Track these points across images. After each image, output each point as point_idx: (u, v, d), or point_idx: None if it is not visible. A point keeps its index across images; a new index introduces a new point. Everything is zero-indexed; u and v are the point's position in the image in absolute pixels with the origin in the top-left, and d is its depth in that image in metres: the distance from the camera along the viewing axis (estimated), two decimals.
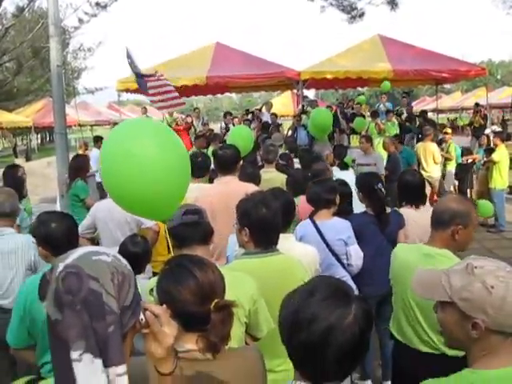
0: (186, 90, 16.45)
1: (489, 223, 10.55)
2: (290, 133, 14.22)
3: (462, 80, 21.14)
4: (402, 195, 4.94)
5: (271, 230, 2.98)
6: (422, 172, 10.87)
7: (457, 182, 12.03)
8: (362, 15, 18.10)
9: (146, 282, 2.97)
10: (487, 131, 15.86)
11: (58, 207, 7.42)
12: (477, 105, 19.25)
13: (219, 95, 22.82)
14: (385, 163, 9.97)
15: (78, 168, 6.83)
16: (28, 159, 30.26)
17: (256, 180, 5.40)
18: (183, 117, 17.09)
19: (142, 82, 8.39)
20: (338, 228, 4.31)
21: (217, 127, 20.74)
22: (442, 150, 11.96)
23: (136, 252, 3.84)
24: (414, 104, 39.65)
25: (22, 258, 4.04)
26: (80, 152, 15.17)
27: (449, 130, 13.19)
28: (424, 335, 3.12)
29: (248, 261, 2.95)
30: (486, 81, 21.78)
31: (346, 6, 18.02)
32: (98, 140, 15.47)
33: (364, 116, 15.30)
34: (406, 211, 4.67)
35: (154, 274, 4.28)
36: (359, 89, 21.14)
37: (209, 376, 1.86)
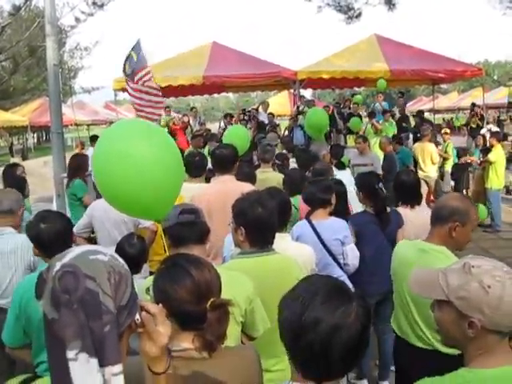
0: (182, 90, 16.46)
1: (485, 223, 10.58)
2: (286, 133, 14.23)
3: (459, 80, 21.19)
4: (397, 195, 4.96)
5: (267, 229, 2.98)
6: (420, 172, 10.91)
7: (452, 183, 12.05)
8: (358, 16, 18.07)
9: (143, 282, 2.97)
10: (483, 131, 15.90)
11: (54, 207, 7.41)
12: (473, 105, 19.28)
13: (216, 95, 22.79)
14: (381, 163, 9.97)
15: (77, 167, 6.82)
16: (24, 158, 30.21)
17: (252, 180, 5.40)
18: (180, 116, 17.08)
19: (129, 80, 8.39)
20: (334, 228, 4.32)
21: (213, 127, 20.72)
22: (440, 150, 11.99)
23: (132, 252, 3.84)
24: (410, 104, 39.86)
25: (22, 258, 4.04)
26: (76, 151, 15.18)
27: (448, 131, 13.24)
28: (419, 331, 3.16)
29: (244, 260, 2.95)
30: (483, 81, 21.83)
31: (342, 6, 18.00)
32: (94, 139, 15.45)
33: (361, 116, 15.31)
34: (402, 211, 4.69)
35: (151, 273, 4.28)
36: (356, 89, 21.15)
37: (205, 375, 1.87)
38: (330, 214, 4.42)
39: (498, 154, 10.56)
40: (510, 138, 14.80)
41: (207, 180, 5.79)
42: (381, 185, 4.63)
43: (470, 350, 1.75)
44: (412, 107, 34.86)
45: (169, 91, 17.11)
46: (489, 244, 9.23)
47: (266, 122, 15.17)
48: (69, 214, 6.02)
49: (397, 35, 17.68)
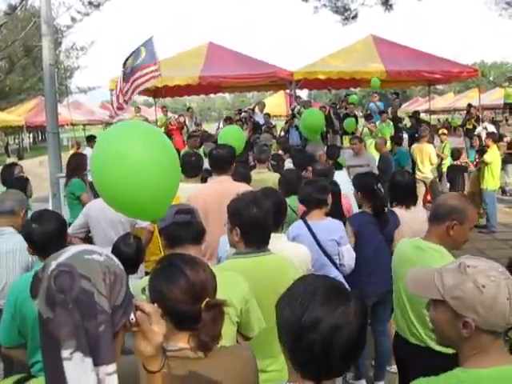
0: (178, 90, 16.47)
1: (480, 224, 10.60)
2: (282, 133, 14.23)
3: (455, 81, 21.24)
4: (392, 195, 4.98)
5: (262, 229, 2.98)
6: (418, 173, 10.93)
7: (448, 184, 12.07)
8: (355, 17, 18.09)
9: (139, 282, 2.97)
10: (479, 129, 15.94)
11: (49, 206, 7.40)
12: (470, 106, 19.30)
13: (212, 95, 22.80)
14: (376, 164, 9.96)
15: (76, 166, 6.82)
16: (20, 158, 30.06)
17: (247, 180, 5.41)
18: (176, 116, 17.08)
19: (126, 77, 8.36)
20: (330, 228, 4.32)
21: (209, 127, 20.70)
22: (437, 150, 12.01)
23: (129, 252, 3.83)
24: (406, 105, 39.94)
25: (20, 259, 4.03)
26: (72, 151, 15.15)
27: (445, 131, 13.27)
28: (413, 328, 3.20)
29: (239, 260, 2.96)
30: (479, 82, 21.85)
31: (339, 7, 18.01)
32: (91, 139, 15.43)
33: (356, 116, 15.33)
34: (397, 211, 4.70)
35: (147, 273, 4.27)
36: (352, 89, 21.18)
37: (200, 374, 1.87)
38: (326, 214, 4.42)
39: (493, 155, 10.58)
40: (505, 139, 14.78)
41: (203, 180, 5.79)
42: (379, 185, 4.63)
43: (465, 350, 1.76)
44: (408, 108, 34.95)
45: (165, 91, 17.14)
46: (484, 245, 9.25)
47: (262, 122, 15.17)
48: (65, 214, 6.01)
49: (393, 36, 17.73)
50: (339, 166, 7.77)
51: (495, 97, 30.27)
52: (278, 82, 15.99)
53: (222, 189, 4.43)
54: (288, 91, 17.45)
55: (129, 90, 8.40)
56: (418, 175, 10.98)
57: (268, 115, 16.14)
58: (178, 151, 9.58)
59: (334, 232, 4.31)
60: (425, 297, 1.88)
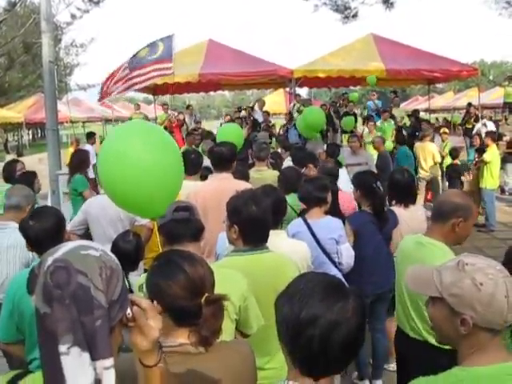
0: (178, 87, 16.44)
1: (479, 223, 10.61)
2: (281, 132, 14.24)
3: (455, 80, 21.22)
4: (391, 194, 4.97)
5: (260, 227, 2.98)
6: (421, 171, 10.92)
7: (447, 183, 12.06)
8: (355, 15, 18.10)
9: (137, 279, 2.97)
10: (478, 126, 15.94)
11: (49, 203, 7.40)
12: (469, 105, 19.29)
13: (212, 93, 22.79)
14: (374, 162, 9.94)
15: (79, 163, 6.82)
16: (19, 155, 30.05)
17: (246, 178, 5.41)
18: (175, 114, 17.07)
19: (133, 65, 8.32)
20: (330, 227, 4.32)
21: (208, 125, 20.70)
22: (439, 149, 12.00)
23: (129, 248, 3.83)
24: (406, 103, 39.86)
25: (20, 254, 4.04)
26: (71, 149, 15.14)
27: (446, 130, 13.27)
28: (412, 322, 3.23)
29: (237, 258, 2.96)
30: (479, 81, 21.83)
31: (339, 5, 18.02)
32: (90, 136, 15.43)
33: (356, 114, 15.32)
34: (396, 210, 4.70)
35: (146, 270, 4.27)
36: (352, 87, 21.17)
37: (202, 369, 1.88)
38: (325, 212, 4.42)
39: (493, 154, 10.59)
40: (505, 138, 14.78)
41: (202, 178, 5.79)
42: (378, 183, 4.62)
43: (463, 348, 1.76)
44: (407, 106, 34.93)
45: (165, 89, 17.13)
46: (483, 243, 9.26)
47: (261, 120, 15.18)
48: (64, 211, 6.01)
49: (393, 35, 17.72)
50: (339, 165, 7.77)
51: (495, 96, 30.27)
52: (277, 79, 16.00)
53: (222, 186, 4.43)
54: (288, 89, 17.47)
55: (130, 80, 8.36)
56: (421, 174, 10.98)
57: (267, 113, 16.14)
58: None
59: (334, 230, 4.31)
60: (423, 294, 1.90)
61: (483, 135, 11.92)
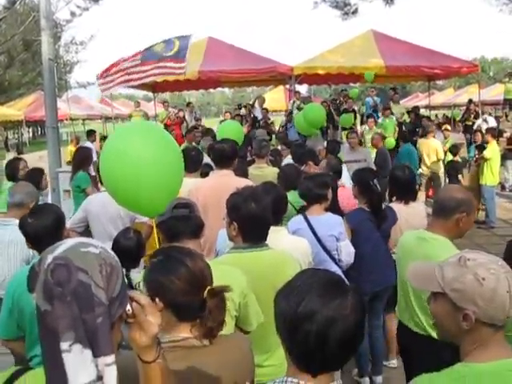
0: (178, 85, 16.44)
1: (479, 219, 10.61)
2: (281, 129, 14.23)
3: (455, 76, 21.20)
4: (392, 190, 4.98)
5: (260, 225, 2.98)
6: (424, 168, 10.91)
7: (447, 180, 12.06)
8: (355, 12, 18.06)
9: (138, 276, 2.97)
10: (479, 121, 15.92)
11: (49, 201, 7.40)
12: (470, 101, 19.25)
13: (212, 90, 22.79)
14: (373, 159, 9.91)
15: (82, 160, 6.83)
16: (19, 153, 29.99)
17: (245, 176, 5.41)
18: (175, 111, 17.07)
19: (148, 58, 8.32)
20: (330, 223, 4.32)
21: (208, 122, 20.66)
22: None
23: (130, 245, 3.83)
24: (406, 100, 39.79)
25: (21, 251, 4.05)
26: (71, 146, 15.15)
27: (448, 127, 13.26)
28: (415, 316, 3.26)
29: (237, 255, 2.96)
30: (479, 78, 21.79)
31: (339, 2, 17.97)
32: (90, 134, 15.43)
33: (355, 111, 15.29)
34: (396, 206, 4.71)
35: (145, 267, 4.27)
36: (351, 84, 21.16)
37: (204, 362, 1.90)
38: (325, 209, 4.42)
39: (493, 151, 10.58)
40: (505, 135, 14.77)
41: (203, 175, 5.79)
42: (375, 181, 4.62)
43: (465, 344, 1.77)
44: (408, 103, 34.87)
45: (164, 86, 17.12)
46: (483, 240, 9.26)
47: (260, 117, 15.17)
48: (64, 208, 6.01)
49: (393, 31, 17.72)
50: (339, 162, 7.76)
51: (495, 92, 30.23)
52: (277, 76, 15.97)
53: (223, 183, 4.43)
54: (288, 86, 17.43)
55: (142, 72, 8.37)
56: (424, 170, 10.97)
57: (266, 110, 16.12)
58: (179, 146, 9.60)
59: (334, 227, 4.31)
60: (425, 289, 1.91)
61: (484, 131, 11.92)
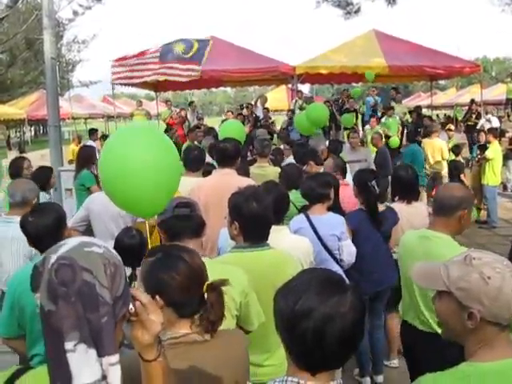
0: (180, 84, 16.42)
1: (481, 219, 10.60)
2: (283, 129, 14.21)
3: (457, 76, 21.19)
4: (394, 190, 4.98)
5: (261, 224, 2.98)
6: (427, 168, 10.89)
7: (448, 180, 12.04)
8: (357, 11, 18.09)
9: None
10: (482, 121, 15.89)
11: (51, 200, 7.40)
12: (472, 101, 19.23)
13: (214, 89, 22.79)
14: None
15: (86, 158, 6.82)
16: (21, 152, 29.98)
17: (246, 175, 5.41)
18: (177, 110, 17.08)
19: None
20: (332, 223, 4.31)
21: (211, 121, 20.64)
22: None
23: (133, 244, 3.82)
24: (408, 100, 39.75)
25: (24, 247, 4.05)
26: (73, 145, 15.17)
27: (452, 127, 13.25)
28: (420, 314, 3.27)
29: (238, 254, 2.96)
30: (481, 78, 21.78)
31: (341, 1, 17.99)
32: (93, 132, 15.45)
33: (357, 111, 15.28)
34: (397, 206, 4.70)
35: None
36: (354, 84, 21.15)
37: (206, 357, 1.92)
38: (327, 209, 4.42)
39: (495, 151, 10.55)
40: (507, 135, 14.75)
41: (205, 174, 5.79)
42: (374, 182, 4.60)
43: (470, 344, 1.77)
44: (410, 103, 34.87)
45: (167, 85, 17.13)
46: (485, 240, 9.24)
47: (262, 116, 15.17)
48: (65, 207, 6.02)
49: (395, 31, 17.74)
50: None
51: (497, 92, 30.18)
52: (279, 76, 15.98)
53: (225, 182, 4.43)
54: (290, 86, 17.43)
55: (162, 69, 8.44)
56: (427, 170, 10.96)
57: (267, 110, 16.13)
58: (181, 145, 9.62)
59: (336, 227, 4.31)
60: (430, 288, 1.91)
61: (486, 131, 11.89)
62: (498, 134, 12.04)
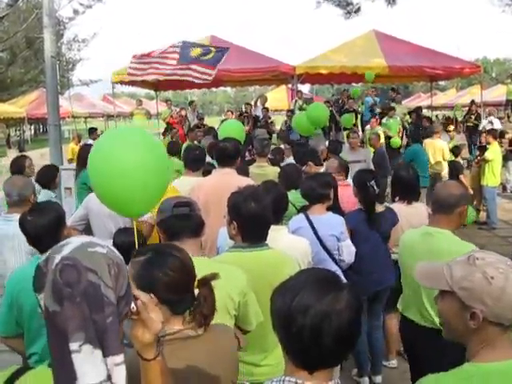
0: (180, 83, 16.42)
1: (481, 220, 10.60)
2: (283, 129, 14.22)
3: (457, 77, 21.19)
4: (395, 190, 4.98)
5: (260, 224, 2.98)
6: (430, 168, 10.87)
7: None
8: (357, 10, 18.09)
9: None
10: (484, 122, 15.88)
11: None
12: (472, 102, 19.22)
13: (214, 89, 22.80)
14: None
15: (87, 157, 6.82)
16: (21, 150, 30.00)
17: (247, 174, 5.41)
18: (177, 110, 17.08)
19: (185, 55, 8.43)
20: (331, 223, 4.31)
21: (211, 121, 20.63)
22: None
23: (132, 241, 3.81)
24: (408, 100, 39.77)
25: (25, 243, 4.04)
26: (72, 144, 15.16)
27: (452, 128, 13.24)
28: (424, 310, 3.32)
29: (237, 254, 2.96)
30: (481, 78, 21.78)
31: (341, 1, 17.99)
32: (92, 131, 15.43)
33: (356, 111, 15.27)
34: (397, 206, 4.70)
35: None
36: (354, 84, 21.15)
37: (201, 351, 1.95)
38: (327, 209, 4.42)
39: (494, 152, 10.55)
40: (507, 136, 14.74)
41: (205, 174, 5.79)
42: (372, 182, 4.59)
43: (473, 344, 1.77)
44: (410, 103, 34.87)
45: (167, 84, 17.13)
46: (484, 241, 9.23)
47: (261, 116, 15.17)
48: (65, 206, 6.02)
49: (395, 31, 17.75)
50: None
51: (497, 93, 30.21)
52: (279, 76, 15.98)
53: (224, 181, 4.42)
54: (290, 86, 17.43)
55: (179, 70, 8.47)
56: (430, 170, 10.95)
57: (266, 109, 16.13)
58: (181, 144, 9.61)
59: (335, 227, 4.31)
60: (433, 288, 1.92)
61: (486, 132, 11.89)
62: (498, 135, 12.02)
